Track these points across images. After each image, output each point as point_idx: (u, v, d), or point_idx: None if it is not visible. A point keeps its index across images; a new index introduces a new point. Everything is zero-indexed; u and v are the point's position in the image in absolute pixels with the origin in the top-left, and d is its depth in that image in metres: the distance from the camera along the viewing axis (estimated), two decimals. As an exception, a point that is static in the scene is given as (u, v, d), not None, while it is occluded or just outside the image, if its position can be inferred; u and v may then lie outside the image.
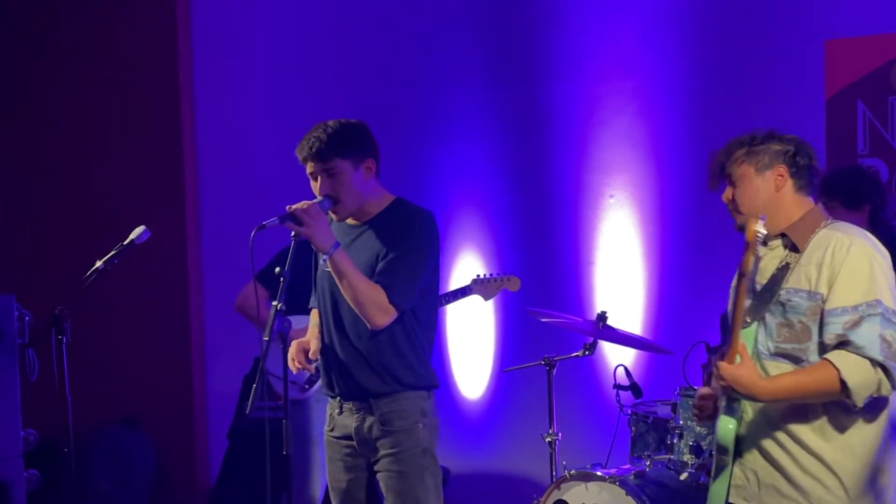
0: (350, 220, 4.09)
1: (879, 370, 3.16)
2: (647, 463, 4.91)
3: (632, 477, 4.80)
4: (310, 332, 4.23)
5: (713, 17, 5.97)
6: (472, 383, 6.75)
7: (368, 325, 3.93)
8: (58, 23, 7.56)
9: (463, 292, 5.59)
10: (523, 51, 6.51)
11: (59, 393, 4.57)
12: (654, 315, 6.10)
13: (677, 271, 5.96)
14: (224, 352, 7.26)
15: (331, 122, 4.03)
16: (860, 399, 3.18)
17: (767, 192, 3.40)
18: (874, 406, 3.27)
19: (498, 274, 5.59)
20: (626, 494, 4.69)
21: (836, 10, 5.64)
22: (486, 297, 5.57)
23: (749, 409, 3.39)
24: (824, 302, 3.25)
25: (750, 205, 3.40)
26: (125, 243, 4.59)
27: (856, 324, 3.18)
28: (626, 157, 6.20)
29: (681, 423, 4.87)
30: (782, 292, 3.34)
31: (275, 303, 3.78)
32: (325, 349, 4.13)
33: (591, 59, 6.31)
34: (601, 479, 4.78)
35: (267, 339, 3.78)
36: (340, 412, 4.13)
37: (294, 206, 3.85)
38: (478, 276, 5.59)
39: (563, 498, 4.88)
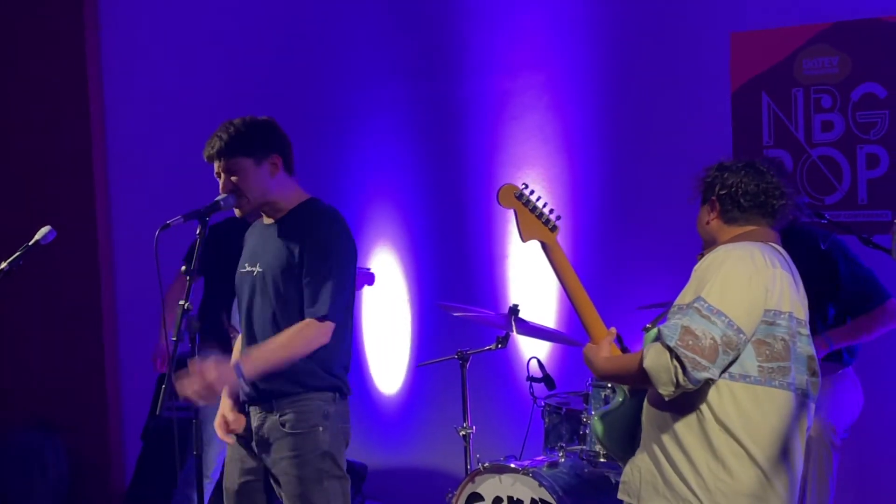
0: (266, 219, 4.07)
1: (675, 359, 3.15)
2: (561, 454, 4.95)
3: (545, 468, 4.83)
4: (223, 402, 4.12)
5: (621, 11, 6.01)
6: (387, 379, 6.75)
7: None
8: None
9: None
10: (434, 45, 6.51)
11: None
12: (566, 307, 6.13)
13: (589, 264, 6.00)
14: (137, 353, 7.19)
15: (235, 121, 4.01)
16: (660, 385, 3.19)
17: (702, 223, 3.55)
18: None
19: None
20: (540, 486, 4.72)
21: (741, 3, 5.70)
22: None
23: (646, 411, 3.46)
24: None
25: (700, 230, 3.57)
26: (30, 244, 4.52)
27: (672, 316, 3.25)
28: (538, 152, 6.23)
29: (593, 413, 4.91)
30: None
31: (181, 302, 3.76)
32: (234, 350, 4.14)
33: (502, 53, 6.33)
34: (514, 471, 4.81)
35: (175, 339, 3.76)
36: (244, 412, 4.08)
37: (188, 391, 3.73)
38: None
39: (477, 490, 4.90)
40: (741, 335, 3.21)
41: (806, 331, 3.39)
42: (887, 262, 4.49)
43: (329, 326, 3.84)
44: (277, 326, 3.93)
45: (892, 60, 5.30)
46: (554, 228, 3.57)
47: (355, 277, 4.06)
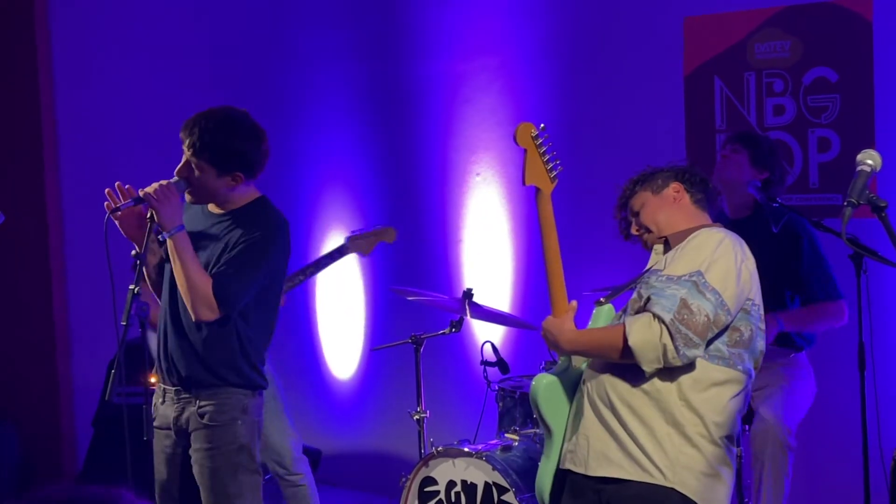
0: (213, 209, 4.03)
1: (665, 334, 3.15)
2: (515, 437, 4.95)
3: (498, 451, 4.82)
4: None
5: (574, -5, 6.03)
6: (341, 363, 6.74)
7: (192, 317, 3.84)
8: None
9: (340, 252, 5.43)
10: (386, 28, 6.49)
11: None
12: (520, 291, 6.15)
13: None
14: (88, 338, 7.14)
15: (222, 117, 3.88)
16: (645, 362, 3.20)
17: (669, 210, 3.51)
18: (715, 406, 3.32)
19: (371, 227, 5.52)
20: (493, 469, 4.71)
21: (695, -13, 5.73)
22: (365, 252, 5.48)
23: (598, 382, 3.43)
24: None
25: (656, 223, 3.52)
26: (-22, 229, 4.48)
27: (666, 287, 3.24)
28: (492, 135, 6.23)
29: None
30: (645, 275, 3.44)
31: (131, 286, 3.71)
32: (161, 332, 4.06)
33: (455, 36, 6.32)
34: (468, 454, 4.80)
35: (125, 323, 3.74)
36: (163, 401, 4.04)
37: (145, 189, 3.79)
38: (352, 232, 5.51)
39: (431, 475, 4.89)
40: (728, 316, 3.25)
41: (763, 325, 3.42)
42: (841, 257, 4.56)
43: (216, 310, 3.80)
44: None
45: (843, 44, 5.33)
46: (554, 179, 3.57)
47: (278, 281, 4.01)
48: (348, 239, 5.45)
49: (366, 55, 6.53)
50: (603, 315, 3.52)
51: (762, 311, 3.41)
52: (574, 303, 3.45)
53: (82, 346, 7.25)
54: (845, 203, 2.77)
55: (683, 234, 3.45)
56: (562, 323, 3.41)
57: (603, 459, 3.36)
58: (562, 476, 3.52)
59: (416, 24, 6.40)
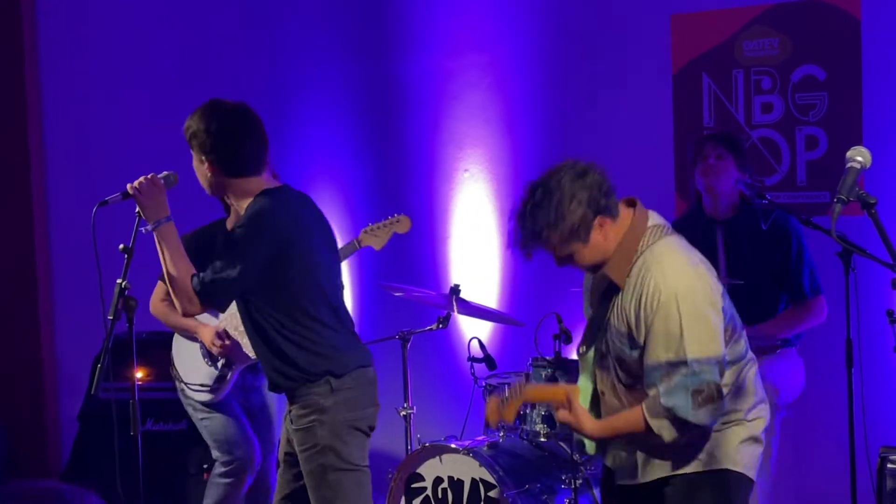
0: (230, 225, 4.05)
1: (691, 425, 3.23)
2: (501, 434, 4.95)
3: (485, 448, 4.82)
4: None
5: (563, -8, 6.03)
6: (328, 359, 6.71)
7: (179, 311, 3.83)
8: None
9: (351, 248, 5.19)
10: (375, 25, 6.48)
11: None
12: (507, 288, 6.14)
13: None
14: (74, 333, 7.11)
15: (215, 112, 3.91)
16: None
17: (602, 247, 3.34)
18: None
19: (385, 217, 5.26)
20: (480, 466, 4.71)
21: (682, -15, 5.74)
22: (379, 246, 5.22)
23: (604, 408, 3.49)
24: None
25: (594, 262, 3.37)
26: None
27: (667, 380, 3.23)
28: (480, 132, 6.23)
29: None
30: (611, 330, 3.38)
31: (119, 280, 3.71)
32: None
33: (444, 33, 6.31)
34: (455, 451, 4.80)
35: (112, 317, 3.73)
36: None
37: (132, 184, 3.79)
38: (367, 225, 5.30)
39: (418, 471, 4.89)
40: (724, 355, 3.27)
41: (731, 308, 3.41)
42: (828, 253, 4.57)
43: (196, 304, 3.77)
44: (251, 318, 3.90)
45: (832, 42, 5.34)
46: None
47: (295, 267, 3.85)
48: (363, 233, 5.21)
49: (355, 52, 6.52)
50: (588, 362, 3.52)
51: (726, 294, 3.38)
52: (569, 387, 3.46)
53: (68, 340, 7.22)
54: (835, 199, 2.76)
55: (621, 261, 3.33)
56: (580, 422, 3.41)
57: (649, 466, 3.43)
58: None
59: (406, 21, 6.38)
